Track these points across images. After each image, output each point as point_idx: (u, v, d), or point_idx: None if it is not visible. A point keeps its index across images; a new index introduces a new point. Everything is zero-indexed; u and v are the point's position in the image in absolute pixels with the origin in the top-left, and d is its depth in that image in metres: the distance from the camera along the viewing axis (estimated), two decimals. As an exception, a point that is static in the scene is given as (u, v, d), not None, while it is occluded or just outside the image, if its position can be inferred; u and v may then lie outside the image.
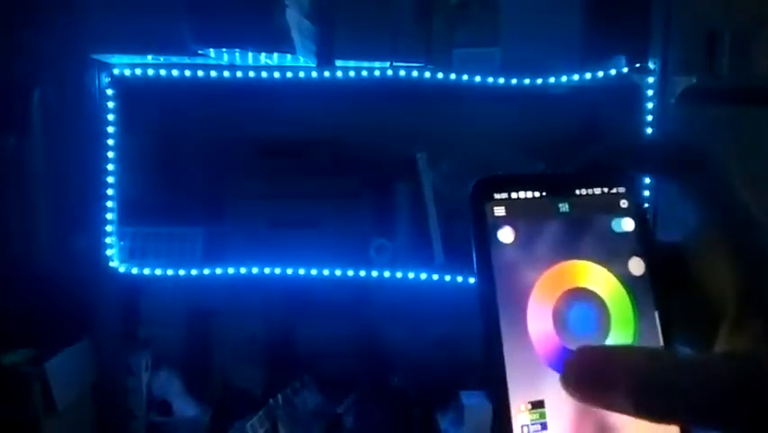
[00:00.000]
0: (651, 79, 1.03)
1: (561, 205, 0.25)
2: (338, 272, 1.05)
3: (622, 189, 0.25)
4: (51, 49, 1.05)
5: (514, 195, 0.25)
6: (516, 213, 0.24)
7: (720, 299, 0.21)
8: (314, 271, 1.05)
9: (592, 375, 0.21)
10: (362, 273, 1.05)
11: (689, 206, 0.23)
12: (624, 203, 0.25)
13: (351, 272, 1.05)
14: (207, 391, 1.24)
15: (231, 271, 1.06)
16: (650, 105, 1.04)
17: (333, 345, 1.28)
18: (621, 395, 0.19)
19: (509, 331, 0.23)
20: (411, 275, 1.05)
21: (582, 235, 0.24)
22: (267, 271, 1.06)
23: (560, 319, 0.23)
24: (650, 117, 1.04)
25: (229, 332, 1.29)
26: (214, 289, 1.25)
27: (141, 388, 1.17)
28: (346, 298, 1.28)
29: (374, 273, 1.05)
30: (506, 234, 0.24)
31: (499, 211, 0.24)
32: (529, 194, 0.25)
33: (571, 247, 0.24)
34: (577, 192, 0.25)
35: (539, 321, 0.23)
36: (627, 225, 0.25)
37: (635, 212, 0.25)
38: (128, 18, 0.96)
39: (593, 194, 0.25)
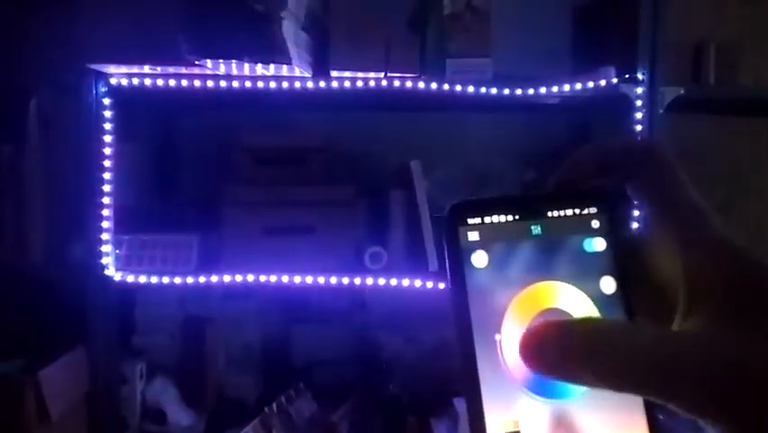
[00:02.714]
0: (640, 90, 1.05)
1: (533, 227, 0.25)
2: (333, 280, 1.06)
3: (593, 210, 0.26)
4: (49, 58, 1.05)
5: (487, 219, 0.25)
6: (490, 237, 0.25)
7: (673, 290, 0.22)
8: (309, 279, 1.05)
9: (552, 344, 0.21)
10: (357, 281, 1.06)
11: (641, 203, 0.24)
12: (595, 223, 0.25)
13: (345, 280, 1.06)
14: (202, 400, 1.24)
15: (226, 278, 1.06)
16: (639, 115, 1.06)
17: (328, 353, 1.29)
18: (577, 363, 0.20)
19: (484, 353, 0.23)
20: (405, 282, 1.06)
21: (555, 257, 0.25)
22: (262, 278, 1.06)
23: None
24: (639, 127, 1.06)
25: (224, 340, 1.29)
26: (209, 296, 1.25)
27: (136, 396, 1.16)
28: (341, 305, 1.29)
29: (369, 281, 1.06)
30: (479, 259, 0.24)
31: (473, 236, 0.24)
32: (502, 218, 0.25)
33: (543, 268, 0.25)
34: (549, 214, 0.25)
35: (513, 342, 0.23)
36: (598, 245, 0.25)
37: (606, 232, 0.25)
38: (125, 28, 0.97)
39: (565, 216, 0.25)
